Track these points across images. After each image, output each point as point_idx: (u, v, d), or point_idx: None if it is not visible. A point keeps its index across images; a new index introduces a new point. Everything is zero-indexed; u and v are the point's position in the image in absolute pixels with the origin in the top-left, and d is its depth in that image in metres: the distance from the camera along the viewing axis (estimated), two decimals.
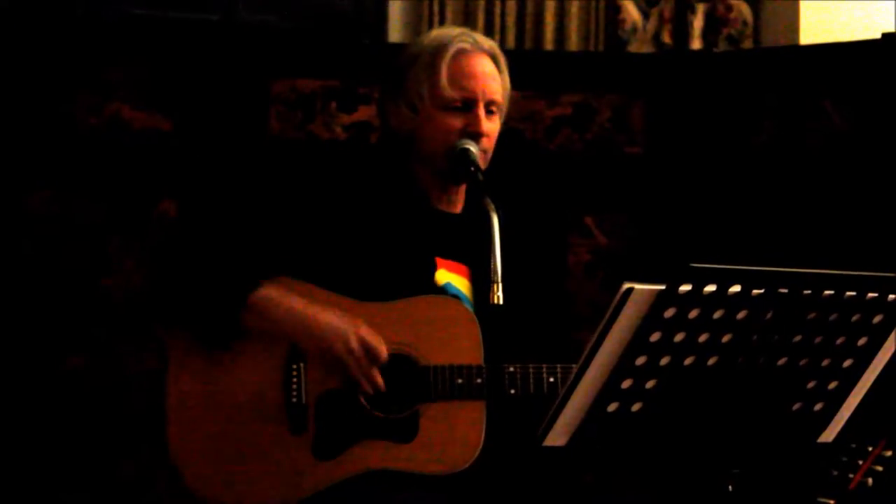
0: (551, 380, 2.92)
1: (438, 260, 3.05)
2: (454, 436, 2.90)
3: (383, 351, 2.84)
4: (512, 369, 2.92)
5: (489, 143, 3.03)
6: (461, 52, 3.04)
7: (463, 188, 3.11)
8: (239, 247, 2.90)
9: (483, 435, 2.89)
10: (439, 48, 3.05)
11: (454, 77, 3.03)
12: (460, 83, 3.03)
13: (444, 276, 3.05)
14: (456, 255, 3.07)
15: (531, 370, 2.93)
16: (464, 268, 3.08)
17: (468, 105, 3.02)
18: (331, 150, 4.26)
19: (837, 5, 5.06)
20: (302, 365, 2.88)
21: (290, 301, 2.87)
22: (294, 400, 2.88)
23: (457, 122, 3.01)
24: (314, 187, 2.98)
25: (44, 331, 4.14)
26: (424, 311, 2.94)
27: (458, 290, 3.05)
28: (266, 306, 2.86)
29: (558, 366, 2.91)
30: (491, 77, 3.05)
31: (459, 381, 2.90)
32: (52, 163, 4.17)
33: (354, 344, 2.83)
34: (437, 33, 3.18)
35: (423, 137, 3.05)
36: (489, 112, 3.04)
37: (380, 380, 2.84)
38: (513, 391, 2.92)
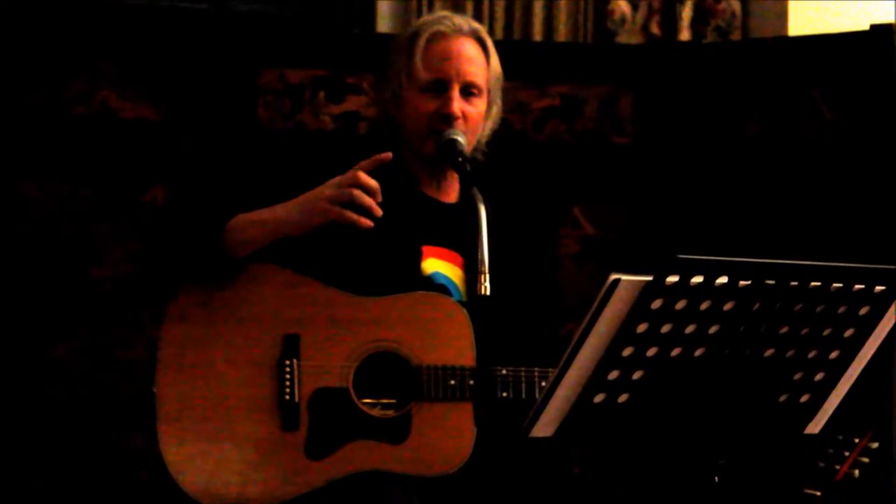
0: (543, 384, 2.91)
1: (425, 248, 3.05)
2: (446, 438, 2.89)
3: (360, 174, 2.81)
4: (504, 372, 2.92)
5: (465, 125, 3.02)
6: (436, 35, 3.05)
7: (455, 177, 3.10)
8: (219, 209, 2.89)
9: (474, 438, 2.89)
10: (417, 32, 3.08)
11: (427, 59, 3.04)
12: (433, 65, 3.03)
13: (432, 264, 3.05)
14: (449, 243, 3.06)
15: (523, 374, 2.92)
16: (458, 257, 3.07)
17: (441, 87, 3.03)
18: (321, 138, 4.26)
19: None
20: (295, 362, 2.88)
21: (261, 210, 2.86)
22: (287, 397, 2.87)
23: (430, 104, 3.02)
24: (300, 173, 2.98)
25: (32, 319, 4.13)
26: (418, 308, 2.93)
27: (448, 279, 3.05)
28: (243, 220, 2.84)
29: (550, 370, 2.90)
30: (467, 59, 3.05)
31: (452, 382, 2.90)
32: (41, 151, 4.16)
33: (330, 190, 2.80)
34: (422, 18, 3.21)
35: (403, 121, 3.07)
36: (469, 94, 3.04)
37: (371, 182, 2.80)
38: (504, 394, 2.92)
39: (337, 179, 2.80)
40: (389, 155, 2.81)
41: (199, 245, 2.84)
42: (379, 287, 2.92)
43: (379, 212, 2.79)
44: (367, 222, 2.79)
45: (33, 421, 4.13)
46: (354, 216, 2.78)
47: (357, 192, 2.78)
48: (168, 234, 2.93)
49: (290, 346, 2.88)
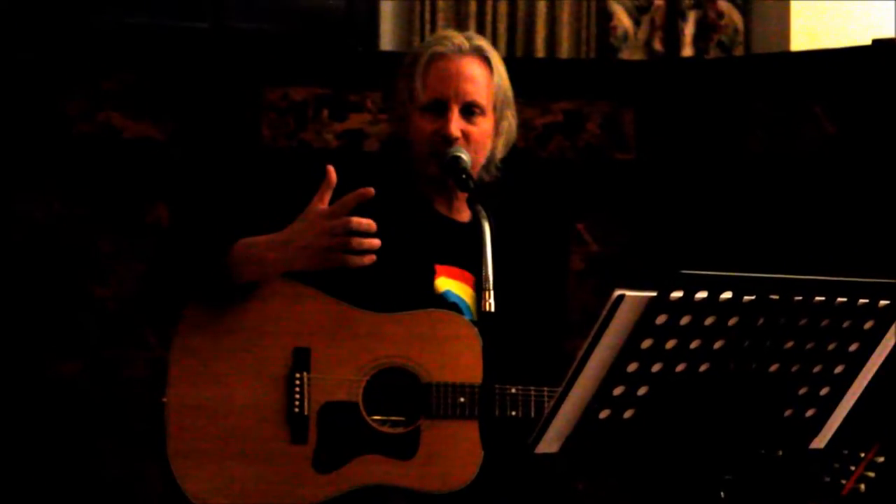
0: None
1: (438, 266, 3.05)
2: (454, 455, 2.89)
3: (352, 221, 2.76)
4: (514, 391, 2.92)
5: (466, 144, 3.01)
6: (436, 56, 3.05)
7: (465, 196, 3.10)
8: (222, 235, 2.88)
9: (481, 456, 2.89)
10: (419, 53, 3.08)
11: (427, 80, 3.04)
12: (432, 86, 3.04)
13: (444, 283, 3.05)
14: (460, 262, 3.06)
15: (532, 393, 2.92)
16: (469, 276, 3.07)
17: (441, 107, 3.02)
18: (324, 156, 4.27)
19: (828, 11, 5.07)
20: (305, 375, 2.88)
21: (261, 243, 2.83)
22: (296, 410, 2.87)
23: (431, 124, 3.02)
24: (307, 191, 2.98)
25: (36, 337, 4.14)
26: (429, 325, 2.93)
27: (459, 298, 3.05)
28: (243, 254, 2.82)
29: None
30: (466, 79, 3.04)
31: (462, 399, 2.90)
32: (44, 170, 4.17)
33: (325, 240, 2.76)
34: (427, 39, 3.21)
35: (409, 142, 3.07)
36: (470, 113, 3.04)
37: (364, 223, 2.76)
38: (514, 413, 2.92)
39: (328, 226, 2.77)
40: (371, 191, 2.78)
41: (201, 274, 2.84)
42: (391, 304, 2.92)
43: (377, 244, 2.78)
44: (369, 259, 2.78)
45: (38, 436, 4.13)
46: (356, 260, 2.78)
47: (355, 241, 2.77)
48: (171, 261, 2.93)
49: (301, 359, 2.88)
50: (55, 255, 4.16)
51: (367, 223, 2.76)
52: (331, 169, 2.80)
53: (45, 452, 4.13)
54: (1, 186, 4.14)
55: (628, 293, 2.20)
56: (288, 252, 2.80)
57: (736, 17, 5.14)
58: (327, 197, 2.79)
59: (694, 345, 2.28)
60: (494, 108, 3.08)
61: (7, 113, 4.15)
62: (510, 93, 3.11)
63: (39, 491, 4.14)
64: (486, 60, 3.08)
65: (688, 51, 5.07)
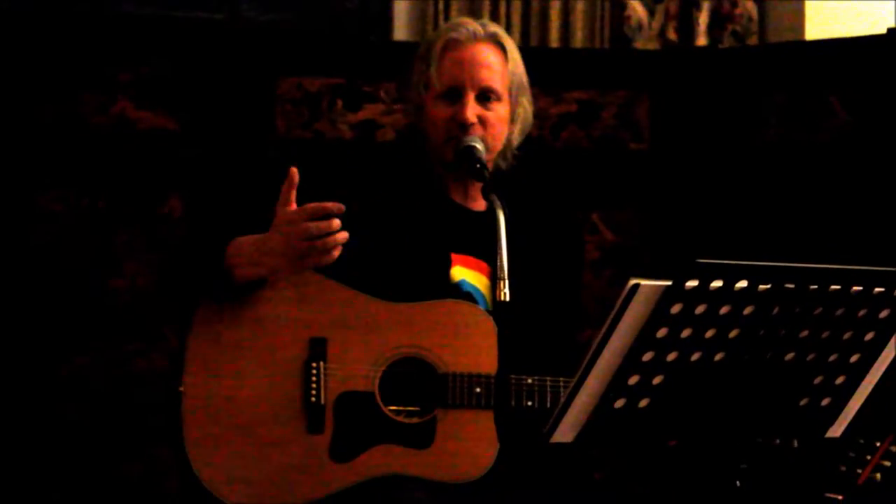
0: None
1: (454, 255, 3.05)
2: (470, 445, 2.89)
3: (307, 227, 2.73)
4: (529, 381, 2.92)
5: (482, 130, 3.01)
6: (450, 42, 3.05)
7: (480, 186, 3.10)
8: (231, 232, 2.88)
9: (497, 446, 2.89)
10: (433, 40, 3.08)
11: (442, 67, 3.04)
12: (446, 73, 3.04)
13: (459, 272, 3.05)
14: (476, 251, 3.06)
15: (548, 383, 2.92)
16: (485, 266, 3.07)
17: (456, 94, 3.02)
18: (339, 147, 4.27)
19: (843, 0, 5.06)
20: (322, 364, 2.88)
21: (252, 238, 2.82)
22: (313, 400, 2.87)
23: (446, 111, 3.02)
24: (325, 182, 2.98)
25: (51, 330, 4.15)
26: (445, 315, 2.93)
27: (474, 287, 3.05)
28: (241, 257, 2.81)
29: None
30: (482, 65, 3.04)
31: (478, 390, 2.90)
32: (59, 163, 4.18)
33: (287, 259, 2.76)
34: (441, 27, 3.21)
35: (425, 129, 3.07)
36: (486, 99, 3.03)
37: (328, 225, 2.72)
38: (529, 403, 2.92)
39: (291, 233, 2.74)
40: (342, 207, 2.71)
41: (204, 275, 2.84)
42: (407, 293, 2.92)
43: (344, 237, 2.76)
44: (337, 252, 2.75)
45: (53, 431, 4.14)
46: (325, 259, 2.75)
47: (319, 244, 2.73)
48: (181, 260, 2.93)
49: (317, 348, 2.88)
50: (69, 247, 4.17)
51: (327, 225, 2.72)
52: (293, 170, 2.76)
53: (59, 445, 4.14)
54: (16, 179, 4.15)
55: (643, 282, 2.20)
56: (273, 259, 2.79)
57: (750, 7, 5.13)
58: (292, 197, 2.76)
59: (709, 334, 2.28)
60: (510, 94, 3.07)
61: (22, 105, 4.16)
62: (525, 79, 3.11)
63: (54, 484, 4.15)
64: (501, 46, 3.07)
65: (702, 40, 5.07)
